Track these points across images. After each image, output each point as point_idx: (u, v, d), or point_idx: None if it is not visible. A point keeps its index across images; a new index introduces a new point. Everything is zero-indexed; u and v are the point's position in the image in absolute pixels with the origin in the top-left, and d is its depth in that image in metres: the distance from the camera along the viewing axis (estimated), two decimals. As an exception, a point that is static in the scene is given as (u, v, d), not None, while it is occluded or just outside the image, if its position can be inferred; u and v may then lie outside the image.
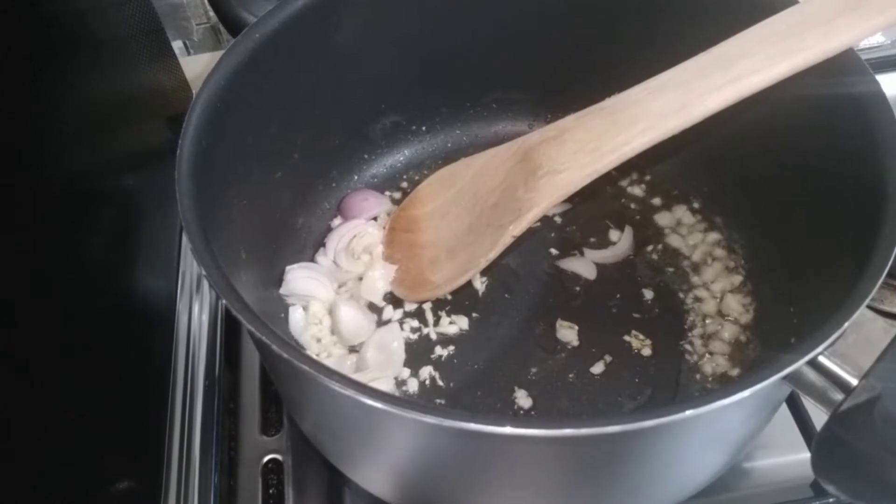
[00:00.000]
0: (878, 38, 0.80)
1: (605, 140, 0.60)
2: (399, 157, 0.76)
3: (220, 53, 0.57)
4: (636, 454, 0.45)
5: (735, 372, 0.61)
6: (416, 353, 0.64)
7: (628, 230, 0.71)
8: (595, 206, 0.73)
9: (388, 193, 0.74)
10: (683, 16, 0.63)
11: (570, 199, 0.73)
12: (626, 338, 0.64)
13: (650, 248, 0.70)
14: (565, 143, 0.62)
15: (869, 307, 0.41)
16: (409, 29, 0.67)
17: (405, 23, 0.66)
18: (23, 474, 0.43)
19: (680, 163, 0.72)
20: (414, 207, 0.71)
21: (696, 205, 0.72)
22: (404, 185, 0.75)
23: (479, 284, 0.68)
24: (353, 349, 0.64)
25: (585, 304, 0.66)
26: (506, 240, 0.63)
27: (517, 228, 0.63)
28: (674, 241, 0.70)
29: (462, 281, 0.66)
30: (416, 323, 0.66)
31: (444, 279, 0.66)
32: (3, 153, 0.45)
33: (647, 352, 0.63)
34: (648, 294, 0.66)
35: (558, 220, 0.72)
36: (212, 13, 0.83)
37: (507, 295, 0.67)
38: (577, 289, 0.67)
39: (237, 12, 0.74)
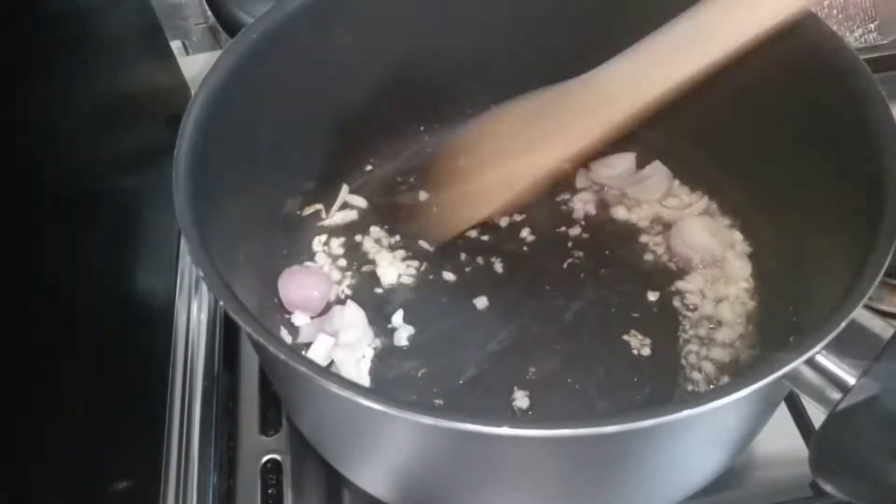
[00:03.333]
0: (875, 38, 0.81)
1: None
2: (398, 157, 0.76)
3: (218, 53, 0.57)
4: (634, 454, 0.45)
5: (733, 371, 0.61)
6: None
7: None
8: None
9: (388, 195, 0.74)
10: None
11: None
12: (626, 337, 0.63)
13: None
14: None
15: (867, 307, 0.41)
16: (408, 29, 0.67)
17: (403, 23, 0.66)
18: (21, 474, 0.43)
19: (680, 165, 0.72)
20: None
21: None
22: (403, 186, 0.75)
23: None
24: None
25: (585, 304, 0.66)
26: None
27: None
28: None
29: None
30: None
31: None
32: (1, 153, 0.45)
33: (646, 351, 0.63)
34: (648, 293, 0.66)
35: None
36: (210, 13, 0.83)
37: (506, 294, 0.67)
38: (577, 288, 0.67)
39: (234, 12, 0.74)
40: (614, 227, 0.71)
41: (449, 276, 0.68)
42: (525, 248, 0.70)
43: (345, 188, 0.74)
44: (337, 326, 0.63)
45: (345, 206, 0.73)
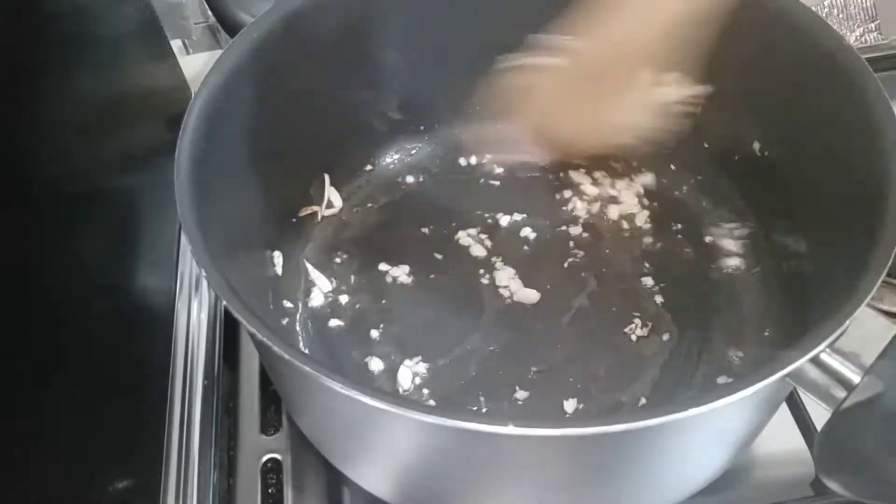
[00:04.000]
0: (875, 37, 0.81)
1: None
2: (399, 157, 0.76)
3: (219, 52, 0.57)
4: (637, 453, 0.45)
5: (736, 370, 0.61)
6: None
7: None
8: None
9: (389, 195, 0.74)
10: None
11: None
12: (629, 334, 0.64)
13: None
14: None
15: (870, 306, 0.41)
16: (408, 29, 0.67)
17: (403, 23, 0.66)
18: (21, 474, 0.43)
19: (682, 165, 0.72)
20: None
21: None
22: (404, 186, 0.75)
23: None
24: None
25: (586, 303, 0.66)
26: None
27: None
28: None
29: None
30: (416, 321, 0.66)
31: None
32: (1, 153, 0.45)
33: (648, 350, 0.63)
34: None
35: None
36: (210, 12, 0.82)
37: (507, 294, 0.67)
38: (578, 287, 0.67)
39: (234, 12, 0.74)
40: (614, 225, 0.71)
41: (449, 275, 0.68)
42: (526, 248, 0.70)
43: (345, 187, 0.74)
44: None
45: (345, 206, 0.73)
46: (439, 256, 0.70)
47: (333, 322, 0.66)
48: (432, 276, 0.68)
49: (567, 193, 0.74)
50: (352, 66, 0.67)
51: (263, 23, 0.58)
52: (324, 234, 0.71)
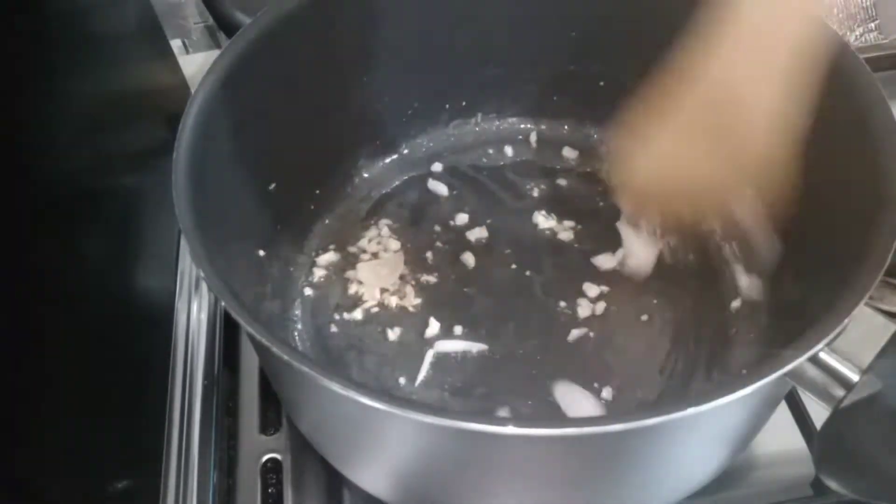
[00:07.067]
0: (875, 37, 0.81)
1: None
2: (396, 159, 0.76)
3: (218, 52, 0.57)
4: (636, 452, 0.45)
5: (736, 369, 0.61)
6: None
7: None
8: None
9: (391, 194, 0.74)
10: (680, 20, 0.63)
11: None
12: (629, 339, 0.64)
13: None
14: None
15: (868, 305, 0.41)
16: (407, 30, 0.67)
17: (402, 24, 0.66)
18: (20, 474, 0.43)
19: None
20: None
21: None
22: (399, 186, 0.75)
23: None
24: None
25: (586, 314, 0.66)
26: None
27: None
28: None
29: None
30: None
31: None
32: (1, 152, 0.45)
33: (649, 352, 0.63)
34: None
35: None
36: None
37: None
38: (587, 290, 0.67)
39: (232, 13, 0.74)
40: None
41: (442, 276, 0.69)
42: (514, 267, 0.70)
43: (342, 189, 0.73)
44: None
45: (342, 207, 0.73)
46: (438, 258, 0.70)
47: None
48: (425, 278, 0.68)
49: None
50: (350, 67, 0.67)
51: (261, 23, 0.58)
52: (325, 232, 0.71)
